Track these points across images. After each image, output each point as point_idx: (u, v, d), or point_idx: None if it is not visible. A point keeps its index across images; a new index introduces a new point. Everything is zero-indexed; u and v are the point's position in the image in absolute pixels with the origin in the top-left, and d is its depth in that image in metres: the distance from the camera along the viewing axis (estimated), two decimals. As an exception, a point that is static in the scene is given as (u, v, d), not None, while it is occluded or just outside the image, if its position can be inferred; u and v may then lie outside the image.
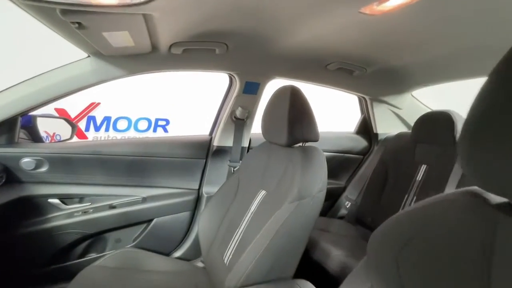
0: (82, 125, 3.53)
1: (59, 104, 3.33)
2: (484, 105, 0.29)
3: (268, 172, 1.04)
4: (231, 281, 0.80)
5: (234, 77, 1.28)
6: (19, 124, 1.08)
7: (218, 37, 0.97)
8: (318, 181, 0.86)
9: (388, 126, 1.74)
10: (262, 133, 1.07)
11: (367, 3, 0.68)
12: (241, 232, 0.98)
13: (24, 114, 1.05)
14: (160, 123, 3.93)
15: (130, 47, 0.88)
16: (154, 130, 3.94)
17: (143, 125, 3.86)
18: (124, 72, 1.06)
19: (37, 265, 1.10)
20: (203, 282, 1.02)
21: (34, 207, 1.08)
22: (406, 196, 1.33)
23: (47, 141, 1.51)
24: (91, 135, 3.61)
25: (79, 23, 0.62)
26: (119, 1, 0.51)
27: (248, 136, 1.43)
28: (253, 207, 1.00)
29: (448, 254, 0.32)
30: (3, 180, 1.02)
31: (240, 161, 1.39)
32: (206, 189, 1.37)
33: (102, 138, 3.63)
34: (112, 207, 1.21)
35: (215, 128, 1.42)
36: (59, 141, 1.35)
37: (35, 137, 1.19)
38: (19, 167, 1.05)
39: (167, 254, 1.33)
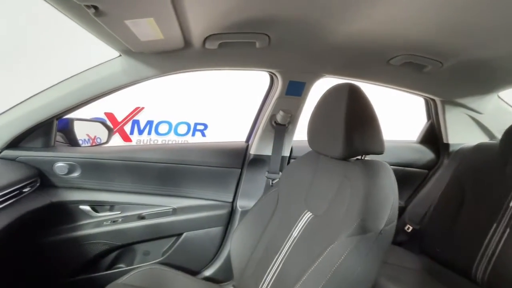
0: (127, 128, 3.71)
1: (108, 108, 3.55)
2: None
3: (314, 189, 0.85)
4: None
5: (275, 76, 1.12)
6: (55, 127, 1.05)
7: (259, 27, 0.81)
8: (388, 209, 0.64)
9: (463, 134, 1.41)
10: (309, 141, 0.89)
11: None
12: (281, 261, 0.80)
13: (59, 116, 1.02)
14: (198, 127, 3.97)
15: (160, 41, 0.77)
16: (193, 134, 3.98)
17: (182, 129, 3.93)
18: (157, 71, 0.97)
19: (65, 275, 1.06)
20: None
21: (65, 213, 1.04)
22: (495, 225, 1.02)
23: (88, 144, 1.52)
24: (135, 138, 3.77)
25: (95, 8, 0.51)
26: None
27: (290, 144, 1.25)
28: (296, 232, 0.82)
29: None
30: (37, 184, 0.99)
31: (280, 173, 1.21)
32: (241, 203, 1.22)
33: (145, 141, 3.78)
34: (141, 217, 1.13)
35: (253, 135, 1.26)
36: (97, 144, 1.33)
37: (71, 140, 1.16)
38: (53, 171, 1.02)
39: (197, 272, 1.21)
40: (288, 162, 1.27)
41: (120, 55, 0.92)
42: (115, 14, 0.56)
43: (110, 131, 1.33)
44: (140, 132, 3.80)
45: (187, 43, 0.84)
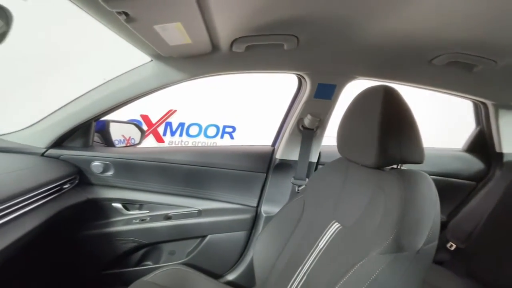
0: (160, 130, 3.90)
1: (143, 110, 3.77)
2: None
3: (344, 198, 0.79)
4: None
5: (304, 78, 1.08)
6: (93, 128, 1.13)
7: (287, 29, 0.79)
8: (427, 226, 0.57)
9: (520, 143, 1.23)
10: (338, 147, 0.83)
11: None
12: (305, 272, 0.76)
13: (97, 118, 1.09)
14: (227, 130, 4.04)
15: (188, 46, 0.78)
16: (221, 137, 4.06)
17: (212, 131, 4.03)
18: (186, 75, 0.99)
19: (96, 268, 1.11)
20: None
21: (99, 210, 1.11)
22: None
23: (123, 145, 1.61)
24: (168, 139, 3.95)
25: (126, 14, 0.53)
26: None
27: (318, 149, 1.19)
28: (322, 243, 0.77)
29: None
30: (76, 182, 1.06)
31: (307, 179, 1.16)
32: (265, 208, 1.19)
33: (176, 142, 3.94)
34: (168, 217, 1.16)
35: (279, 139, 1.23)
36: (130, 145, 1.40)
37: (107, 141, 1.24)
38: (90, 169, 1.09)
39: (220, 275, 1.20)
40: (316, 168, 1.22)
41: (152, 60, 0.95)
42: (144, 20, 0.57)
43: (143, 133, 1.40)
44: (172, 133, 3.97)
45: (215, 47, 0.84)
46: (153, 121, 3.85)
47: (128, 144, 1.39)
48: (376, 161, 0.67)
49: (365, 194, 0.71)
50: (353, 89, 0.96)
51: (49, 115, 1.03)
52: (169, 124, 3.96)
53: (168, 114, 3.94)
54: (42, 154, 1.02)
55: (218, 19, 0.66)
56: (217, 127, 4.05)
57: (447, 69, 0.97)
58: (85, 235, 1.08)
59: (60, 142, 1.06)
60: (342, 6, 0.65)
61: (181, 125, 4.02)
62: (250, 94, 3.69)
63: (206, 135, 4.06)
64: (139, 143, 1.37)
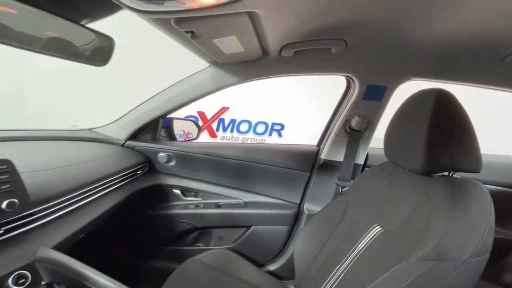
0: (214, 125, 4.19)
1: (200, 107, 4.10)
2: None
3: (388, 203, 0.79)
4: None
5: (352, 79, 1.07)
6: (160, 125, 1.32)
7: (335, 33, 0.81)
8: (476, 237, 0.55)
9: None
10: (385, 151, 0.82)
11: None
12: (343, 271, 0.78)
13: (163, 116, 1.27)
14: (275, 127, 4.12)
15: (241, 53, 0.87)
16: (270, 134, 4.16)
17: (261, 128, 4.15)
18: (239, 79, 1.08)
19: (158, 244, 1.31)
20: None
21: (162, 194, 1.30)
22: None
23: (182, 139, 1.82)
24: (220, 134, 4.22)
25: (192, 32, 0.64)
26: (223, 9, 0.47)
27: (365, 152, 1.17)
28: (362, 244, 0.78)
29: None
30: (146, 169, 1.27)
31: (351, 181, 1.16)
32: (308, 206, 1.23)
33: (228, 138, 4.18)
34: (218, 206, 1.29)
35: (325, 139, 1.25)
36: (188, 140, 1.58)
37: (170, 135, 1.43)
38: (157, 159, 1.28)
39: (262, 264, 1.29)
40: (362, 170, 1.20)
41: (209, 66, 1.07)
42: (206, 36, 0.67)
43: (199, 129, 1.56)
44: (225, 129, 4.22)
45: (265, 53, 0.91)
46: (208, 117, 4.15)
47: (187, 139, 1.57)
48: (423, 167, 0.66)
49: (410, 200, 0.70)
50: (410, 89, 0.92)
51: (127, 113, 1.25)
52: (222, 120, 4.22)
53: (222, 111, 4.19)
54: (122, 145, 1.25)
55: (268, 29, 0.72)
56: (266, 124, 4.15)
57: (523, 67, 0.85)
58: (150, 214, 1.28)
59: (135, 135, 1.27)
60: (395, 11, 0.64)
61: (233, 121, 4.24)
62: (300, 93, 3.69)
63: (255, 132, 4.21)
64: (196, 137, 1.54)
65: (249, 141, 4.16)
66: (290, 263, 1.22)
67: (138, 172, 1.19)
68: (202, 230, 1.33)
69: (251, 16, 0.61)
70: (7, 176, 0.59)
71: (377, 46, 0.88)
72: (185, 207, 1.29)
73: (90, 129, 1.26)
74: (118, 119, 1.26)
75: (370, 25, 0.75)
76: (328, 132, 1.23)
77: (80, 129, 1.22)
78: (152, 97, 1.20)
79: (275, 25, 0.72)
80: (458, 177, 0.68)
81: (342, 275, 0.77)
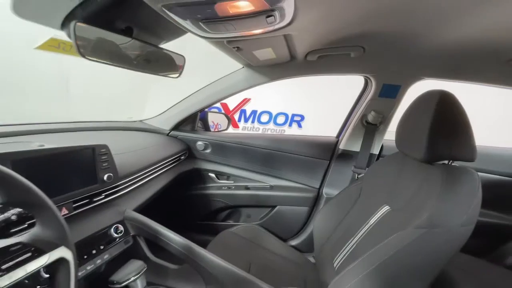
0: (236, 116, 4.38)
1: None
2: None
3: (396, 187, 0.94)
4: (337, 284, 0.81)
5: (369, 79, 1.20)
6: (198, 117, 1.53)
7: (353, 41, 0.95)
8: (462, 212, 0.69)
9: None
10: (396, 142, 0.96)
11: None
12: (355, 243, 0.95)
13: (201, 110, 1.47)
14: (295, 118, 4.24)
15: (272, 59, 1.03)
16: (290, 125, 4.29)
17: (281, 119, 4.29)
18: (268, 78, 1.25)
19: (196, 219, 1.54)
20: (312, 278, 1.08)
21: (200, 176, 1.52)
22: None
23: (212, 130, 2.03)
24: (241, 125, 4.41)
25: (237, 47, 0.81)
26: (265, 29, 0.64)
27: (380, 143, 1.31)
28: (372, 221, 0.94)
29: None
30: (187, 155, 1.49)
31: (367, 169, 1.30)
32: (326, 190, 1.39)
33: (249, 128, 4.37)
34: (247, 188, 1.49)
35: (343, 131, 1.39)
36: (219, 130, 1.78)
37: (206, 126, 1.63)
38: (195, 147, 1.49)
39: (285, 239, 1.48)
40: (377, 160, 1.34)
41: (243, 67, 1.24)
42: (248, 49, 0.84)
43: (229, 121, 1.75)
44: (246, 120, 4.41)
45: (292, 57, 1.07)
46: (230, 108, 4.35)
47: (216, 129, 1.77)
48: (425, 156, 0.80)
49: (414, 185, 0.85)
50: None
51: (171, 107, 1.46)
52: (243, 111, 4.40)
53: (243, 102, 4.37)
54: (167, 134, 1.47)
55: (297, 42, 0.88)
56: (286, 115, 4.28)
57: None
58: (190, 194, 1.51)
59: (177, 126, 1.48)
60: (409, 21, 0.76)
61: (254, 112, 4.40)
62: (320, 87, 3.77)
63: (275, 123, 4.35)
64: (227, 128, 1.74)
65: (269, 132, 4.32)
66: (309, 239, 1.40)
67: (182, 158, 1.41)
68: (233, 209, 1.54)
69: (286, 36, 0.77)
70: (106, 156, 0.81)
71: (391, 51, 1.00)
72: (219, 188, 1.50)
73: (141, 121, 1.49)
74: (163, 112, 1.48)
75: (386, 33, 0.88)
76: (347, 125, 1.38)
77: (134, 121, 1.46)
78: (192, 93, 1.40)
79: (304, 38, 0.87)
80: (457, 165, 0.82)
81: (354, 246, 0.94)
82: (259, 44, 0.81)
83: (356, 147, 1.33)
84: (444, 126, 0.79)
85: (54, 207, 0.44)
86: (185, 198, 1.52)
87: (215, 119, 1.81)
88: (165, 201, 1.43)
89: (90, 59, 0.54)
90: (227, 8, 0.48)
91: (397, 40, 0.91)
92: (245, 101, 4.33)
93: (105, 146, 0.81)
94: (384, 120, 1.25)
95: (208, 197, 1.50)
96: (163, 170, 1.23)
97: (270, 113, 4.35)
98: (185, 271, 0.82)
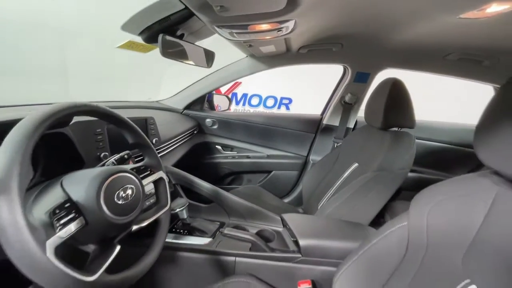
0: (228, 99, 4.61)
1: (215, 82, 4.50)
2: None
3: (363, 149, 1.29)
4: (320, 213, 1.16)
5: (347, 68, 1.53)
6: (205, 99, 1.80)
7: (335, 39, 1.26)
8: (400, 160, 1.05)
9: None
10: (364, 116, 1.31)
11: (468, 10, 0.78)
12: (333, 190, 1.31)
13: (210, 93, 1.75)
14: (284, 101, 4.54)
15: (272, 52, 1.32)
16: (279, 107, 4.59)
17: (270, 102, 4.58)
18: (267, 66, 1.54)
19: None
20: None
21: (208, 148, 1.82)
22: None
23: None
24: (233, 107, 4.66)
25: (250, 45, 1.10)
26: (274, 36, 0.93)
27: (355, 119, 1.66)
28: (346, 174, 1.30)
29: None
30: (197, 130, 1.77)
31: (344, 139, 1.65)
32: (312, 157, 1.74)
33: (240, 111, 4.62)
34: (248, 157, 1.81)
35: (326, 109, 1.73)
36: (222, 110, 2.06)
37: (211, 106, 1.91)
38: (204, 124, 1.78)
39: (279, 198, 1.84)
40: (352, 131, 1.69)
41: (247, 56, 1.52)
42: (257, 45, 1.13)
43: (230, 102, 2.04)
44: (237, 103, 4.66)
45: (288, 50, 1.36)
46: (223, 91, 4.57)
47: (217, 109, 2.05)
48: (381, 124, 1.15)
49: (375, 145, 1.20)
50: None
51: (184, 89, 1.73)
52: (234, 94, 4.64)
53: (234, 86, 4.60)
54: (181, 113, 1.74)
55: (293, 40, 1.17)
56: (275, 98, 4.57)
57: (459, 63, 1.30)
58: (201, 163, 1.82)
59: (189, 106, 1.75)
60: (373, 24, 1.07)
61: (244, 95, 4.65)
62: (308, 73, 4.06)
63: (265, 105, 4.64)
64: (228, 108, 2.02)
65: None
66: (299, 196, 1.76)
67: (194, 132, 1.70)
68: (236, 175, 1.87)
69: (285, 38, 1.07)
70: (153, 125, 1.09)
71: (362, 47, 1.32)
72: (225, 158, 1.82)
73: (157, 101, 1.75)
74: (177, 93, 1.74)
75: (358, 34, 1.19)
76: (329, 104, 1.71)
77: (152, 101, 1.71)
78: (202, 78, 1.67)
79: (298, 39, 1.17)
80: (402, 131, 1.17)
81: (333, 192, 1.30)
82: (265, 43, 1.10)
83: (336, 122, 1.67)
84: (394, 103, 1.13)
85: (153, 147, 0.74)
86: (198, 166, 1.82)
87: (218, 100, 2.09)
88: (183, 169, 1.72)
89: (167, 57, 0.82)
90: (255, 27, 0.76)
91: (366, 38, 1.23)
92: (237, 84, 4.56)
93: (152, 118, 1.10)
94: (358, 100, 1.59)
95: (216, 165, 1.82)
96: (181, 142, 1.52)
97: (260, 96, 4.61)
98: (213, 208, 1.14)
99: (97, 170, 0.54)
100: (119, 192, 0.54)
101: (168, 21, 0.75)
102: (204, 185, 1.13)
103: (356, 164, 1.27)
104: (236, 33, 0.83)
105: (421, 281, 0.53)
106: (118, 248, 0.53)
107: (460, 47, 1.18)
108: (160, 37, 0.74)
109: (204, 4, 0.61)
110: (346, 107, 1.63)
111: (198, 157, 1.81)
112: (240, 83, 4.56)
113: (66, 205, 0.47)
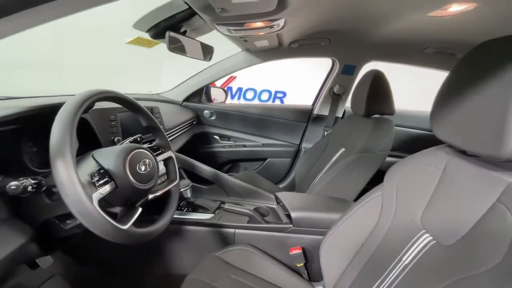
0: (223, 93, 4.70)
1: (211, 77, 4.58)
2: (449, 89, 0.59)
3: (349, 136, 1.42)
4: (310, 192, 1.30)
5: (335, 61, 1.65)
6: (203, 91, 1.91)
7: (323, 35, 1.37)
8: (380, 143, 1.18)
9: None
10: (351, 105, 1.43)
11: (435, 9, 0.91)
12: (323, 173, 1.44)
13: (207, 85, 1.85)
14: (278, 95, 4.65)
15: (266, 46, 1.43)
16: (273, 101, 4.71)
17: (265, 96, 4.68)
18: (261, 60, 1.65)
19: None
20: None
21: (207, 138, 1.93)
22: None
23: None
24: (228, 101, 4.72)
25: (245, 40, 1.20)
26: (267, 32, 1.04)
27: (343, 108, 1.79)
28: (334, 159, 1.43)
29: None
30: (196, 121, 1.88)
31: (333, 127, 1.78)
32: (304, 145, 1.87)
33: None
34: (244, 146, 1.93)
35: (317, 100, 1.85)
36: (219, 102, 2.16)
37: (209, 99, 2.02)
38: (203, 115, 1.89)
39: (275, 183, 1.97)
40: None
41: (242, 51, 1.63)
42: (251, 40, 1.24)
43: (226, 95, 2.15)
44: (232, 97, 4.75)
45: (280, 44, 1.47)
46: (218, 85, 4.64)
47: (214, 102, 2.16)
48: (364, 112, 1.27)
49: (360, 131, 1.33)
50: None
51: (183, 82, 1.83)
52: (229, 88, 4.72)
53: (230, 80, 4.68)
54: (180, 105, 1.84)
55: (285, 35, 1.29)
56: (270, 92, 4.67)
57: (435, 56, 1.43)
58: (200, 152, 1.93)
59: (188, 98, 1.86)
60: (360, 21, 1.18)
61: (239, 89, 4.74)
62: (300, 66, 4.17)
63: (260, 99, 4.74)
64: (224, 101, 2.13)
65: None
66: (292, 181, 1.89)
67: (194, 123, 1.81)
68: (234, 163, 1.99)
69: (278, 33, 1.18)
70: (158, 114, 1.20)
71: (348, 41, 1.44)
72: (223, 147, 1.94)
73: (158, 94, 1.84)
74: (176, 86, 1.84)
75: (344, 30, 1.31)
76: (319, 95, 1.84)
77: (153, 94, 1.81)
78: (200, 71, 1.77)
79: (289, 34, 1.28)
80: (386, 117, 1.29)
81: (323, 174, 1.43)
82: (259, 38, 1.21)
83: (326, 111, 1.80)
84: (375, 92, 1.26)
85: (163, 130, 0.85)
86: (197, 155, 1.93)
87: (215, 93, 2.20)
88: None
89: (173, 52, 0.92)
90: (250, 24, 0.87)
91: (352, 34, 1.35)
92: (231, 78, 4.64)
93: (157, 107, 1.20)
94: (345, 91, 1.72)
95: (215, 154, 1.93)
96: (182, 132, 1.63)
97: (255, 90, 4.70)
98: (214, 189, 1.26)
99: (121, 146, 0.66)
100: (139, 164, 0.65)
101: (173, 19, 0.85)
102: (205, 168, 1.25)
103: (343, 149, 1.40)
104: (233, 29, 0.94)
105: (390, 237, 0.66)
106: (140, 210, 0.65)
107: (435, 41, 1.31)
108: (167, 34, 0.84)
109: (207, 6, 0.72)
110: (335, 97, 1.75)
111: (197, 146, 1.92)
112: (235, 77, 4.64)
113: (101, 171, 0.58)
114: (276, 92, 4.62)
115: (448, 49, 1.36)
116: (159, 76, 3.04)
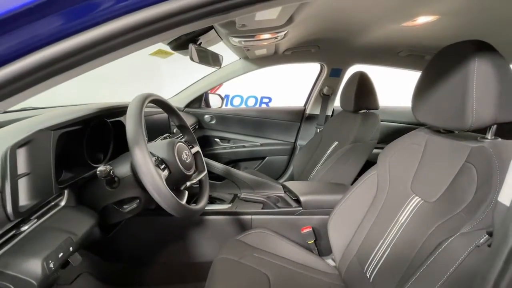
0: (211, 100, 4.80)
1: (198, 85, 4.68)
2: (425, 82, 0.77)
3: (340, 131, 1.60)
4: (312, 180, 1.46)
5: (323, 65, 1.85)
6: (203, 97, 2.03)
7: (313, 43, 1.57)
8: (369, 133, 1.37)
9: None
10: (340, 103, 1.63)
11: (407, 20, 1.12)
12: (320, 164, 1.60)
13: (207, 92, 1.98)
14: (264, 100, 4.84)
15: (263, 54, 1.60)
16: (260, 106, 4.88)
17: (251, 101, 4.85)
18: (257, 66, 1.82)
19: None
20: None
21: (208, 141, 2.05)
22: None
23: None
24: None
25: (248, 49, 1.36)
26: (270, 42, 1.20)
27: (332, 107, 1.99)
28: (328, 152, 1.60)
29: None
30: (197, 126, 2.00)
31: (324, 124, 1.97)
32: (299, 142, 2.05)
33: (223, 111, 4.82)
34: (243, 147, 2.07)
35: (308, 101, 2.04)
36: (216, 107, 2.29)
37: (207, 104, 2.15)
38: (203, 119, 2.01)
39: (274, 179, 2.11)
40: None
41: (240, 59, 1.79)
42: (253, 49, 1.40)
43: (223, 100, 2.28)
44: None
45: (275, 52, 1.65)
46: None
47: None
48: (353, 107, 1.47)
49: (349, 126, 1.51)
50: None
51: (184, 89, 1.95)
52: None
53: (216, 87, 4.79)
54: (182, 110, 1.96)
55: (281, 44, 1.46)
56: (256, 97, 4.85)
57: (408, 58, 1.67)
58: (203, 155, 2.03)
59: (189, 104, 1.97)
60: (343, 29, 1.37)
61: (226, 96, 4.87)
62: (285, 71, 4.38)
63: (246, 105, 4.89)
64: (221, 106, 2.26)
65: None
66: (291, 176, 2.05)
67: (196, 127, 1.93)
68: (234, 163, 2.11)
69: (276, 43, 1.35)
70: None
71: (335, 48, 1.65)
72: (223, 149, 2.06)
73: (160, 102, 1.94)
74: (178, 93, 1.95)
75: (330, 38, 1.51)
76: (311, 96, 2.03)
77: (156, 102, 1.91)
78: (200, 79, 1.90)
79: (284, 43, 1.46)
80: (372, 112, 1.49)
81: (320, 166, 1.60)
82: (260, 47, 1.37)
83: (317, 111, 1.99)
84: (362, 90, 1.46)
85: (190, 128, 0.98)
86: None
87: (213, 99, 2.32)
88: None
89: (194, 61, 1.06)
90: (260, 36, 1.03)
91: (338, 41, 1.55)
92: (218, 86, 4.76)
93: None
94: (334, 92, 1.92)
95: (216, 156, 2.05)
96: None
97: (241, 97, 4.85)
98: (226, 184, 1.38)
99: (167, 140, 0.79)
100: (183, 154, 0.78)
101: (194, 33, 0.99)
102: (217, 165, 1.37)
103: (336, 142, 1.58)
104: (244, 41, 1.10)
105: (387, 205, 0.80)
106: (187, 193, 0.78)
107: (408, 46, 1.55)
108: (190, 46, 0.98)
109: (229, 22, 0.87)
110: (325, 98, 1.95)
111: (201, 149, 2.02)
112: (221, 84, 4.76)
113: (159, 159, 0.70)
114: (262, 97, 4.81)
115: (418, 52, 1.60)
116: (161, 85, 3.12)
